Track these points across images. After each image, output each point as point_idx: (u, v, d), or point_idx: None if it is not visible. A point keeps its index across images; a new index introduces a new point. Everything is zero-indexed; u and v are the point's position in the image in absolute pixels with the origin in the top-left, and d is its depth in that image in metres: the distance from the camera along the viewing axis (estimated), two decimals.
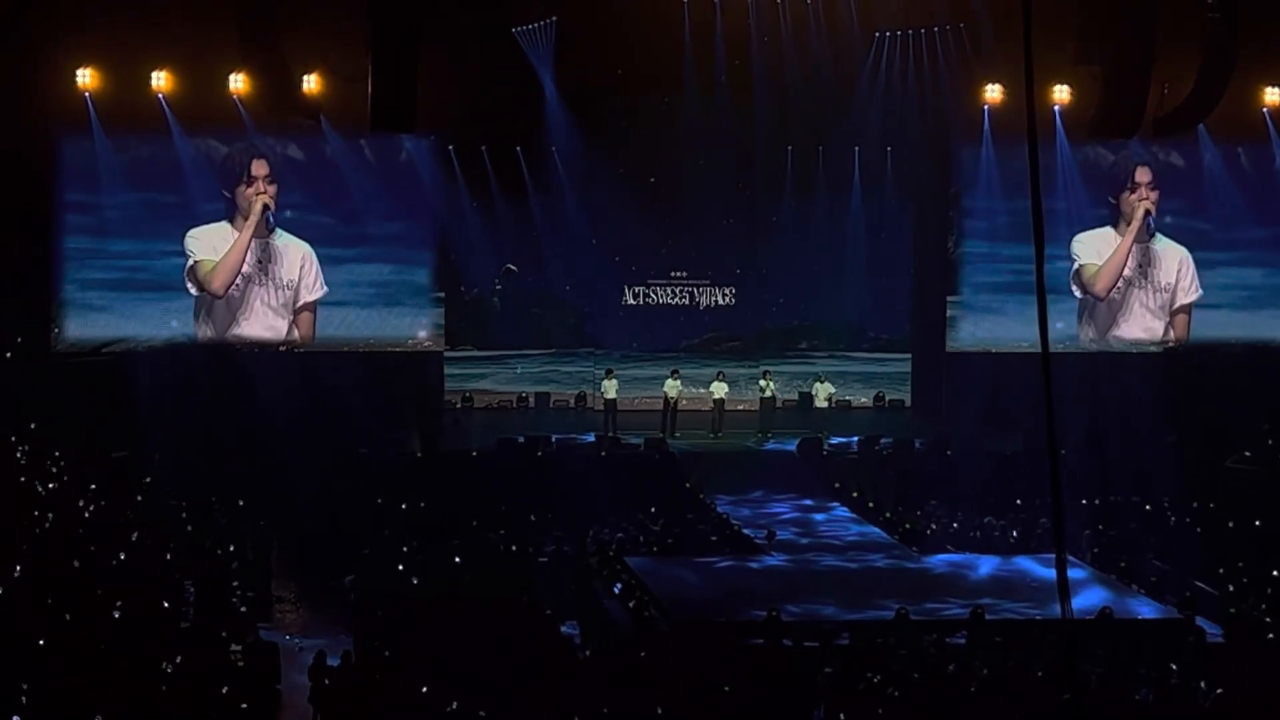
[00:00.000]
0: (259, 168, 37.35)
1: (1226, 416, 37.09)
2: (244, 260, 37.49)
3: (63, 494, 30.18)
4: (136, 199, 36.97)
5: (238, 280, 37.50)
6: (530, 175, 39.63)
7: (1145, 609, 26.14)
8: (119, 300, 37.04)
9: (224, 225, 37.47)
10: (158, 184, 37.03)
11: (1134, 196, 39.72)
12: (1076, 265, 39.68)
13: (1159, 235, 40.18)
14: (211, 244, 37.38)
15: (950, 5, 37.01)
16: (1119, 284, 39.98)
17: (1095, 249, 39.83)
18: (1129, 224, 39.81)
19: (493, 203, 39.62)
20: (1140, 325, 40.21)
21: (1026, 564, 29.12)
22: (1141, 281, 40.14)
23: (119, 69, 35.44)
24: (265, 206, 37.30)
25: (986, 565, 29.27)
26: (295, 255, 37.90)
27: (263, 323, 37.77)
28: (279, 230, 37.77)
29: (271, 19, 32.78)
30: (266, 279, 37.73)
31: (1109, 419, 35.25)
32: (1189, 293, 40.25)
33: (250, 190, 37.26)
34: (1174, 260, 40.25)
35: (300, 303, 37.96)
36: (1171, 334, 40.31)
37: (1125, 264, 39.90)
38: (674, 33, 37.59)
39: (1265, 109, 39.12)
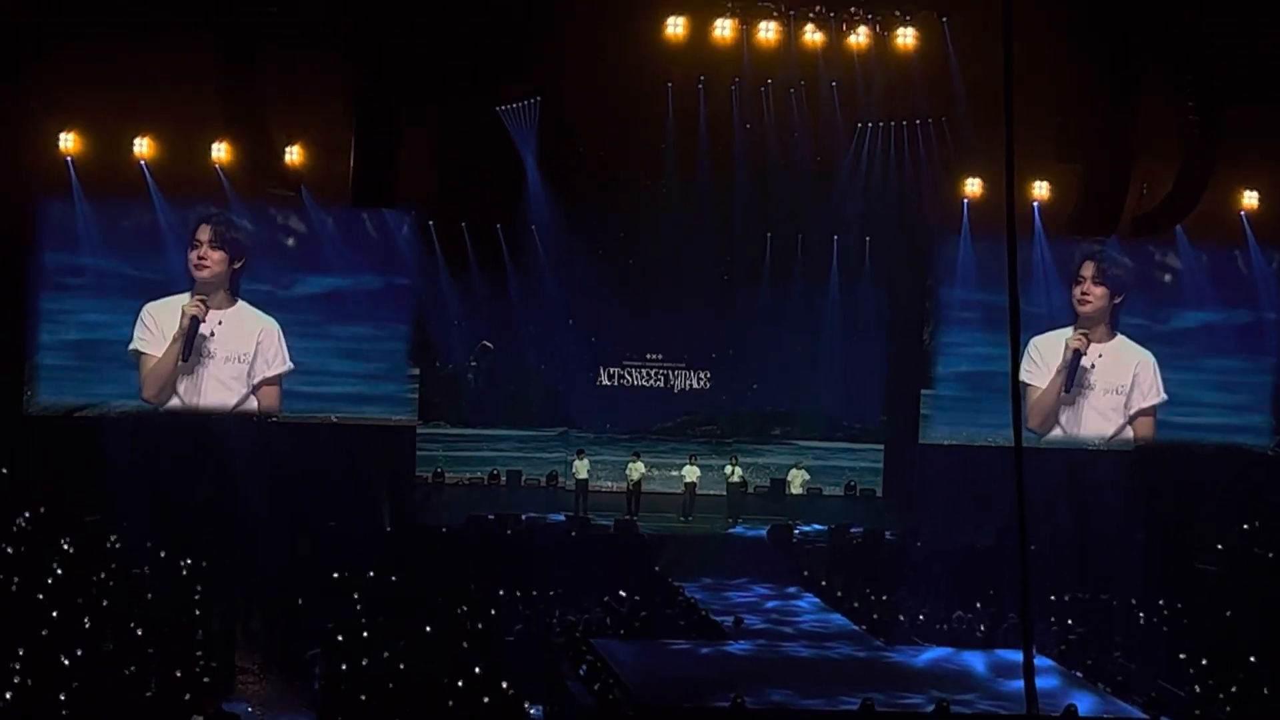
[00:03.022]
0: (202, 232, 37.06)
1: (1196, 517, 37.16)
2: (174, 371, 37.04)
3: (30, 557, 30.07)
4: (115, 264, 36.77)
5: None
6: (509, 253, 39.71)
7: (1111, 708, 26.06)
8: (93, 365, 36.83)
9: (181, 297, 37.13)
10: (137, 249, 36.84)
11: (1077, 290, 39.81)
12: (1021, 379, 39.45)
13: (1120, 336, 40.25)
14: (161, 326, 36.95)
15: (932, 98, 37.18)
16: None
17: (1043, 360, 39.81)
18: (1079, 324, 39.93)
19: (471, 279, 39.67)
20: (1088, 425, 40.16)
21: (993, 658, 29.02)
22: (1087, 381, 40.11)
23: (102, 133, 35.40)
24: (194, 319, 37.07)
25: (953, 658, 29.17)
26: (252, 329, 37.52)
27: (212, 395, 37.51)
28: (240, 302, 37.61)
29: (256, 88, 32.83)
30: (213, 351, 37.43)
31: (1080, 515, 35.31)
32: (1149, 396, 40.21)
33: (193, 254, 37.10)
34: (1130, 362, 40.24)
35: (259, 377, 37.62)
36: (1131, 434, 40.29)
37: (1056, 403, 39.87)
38: (657, 116, 37.71)
39: (1242, 211, 39.33)
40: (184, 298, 37.09)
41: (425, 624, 28.45)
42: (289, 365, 37.68)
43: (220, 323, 37.36)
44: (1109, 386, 40.17)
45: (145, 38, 33.18)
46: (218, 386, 37.40)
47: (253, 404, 37.65)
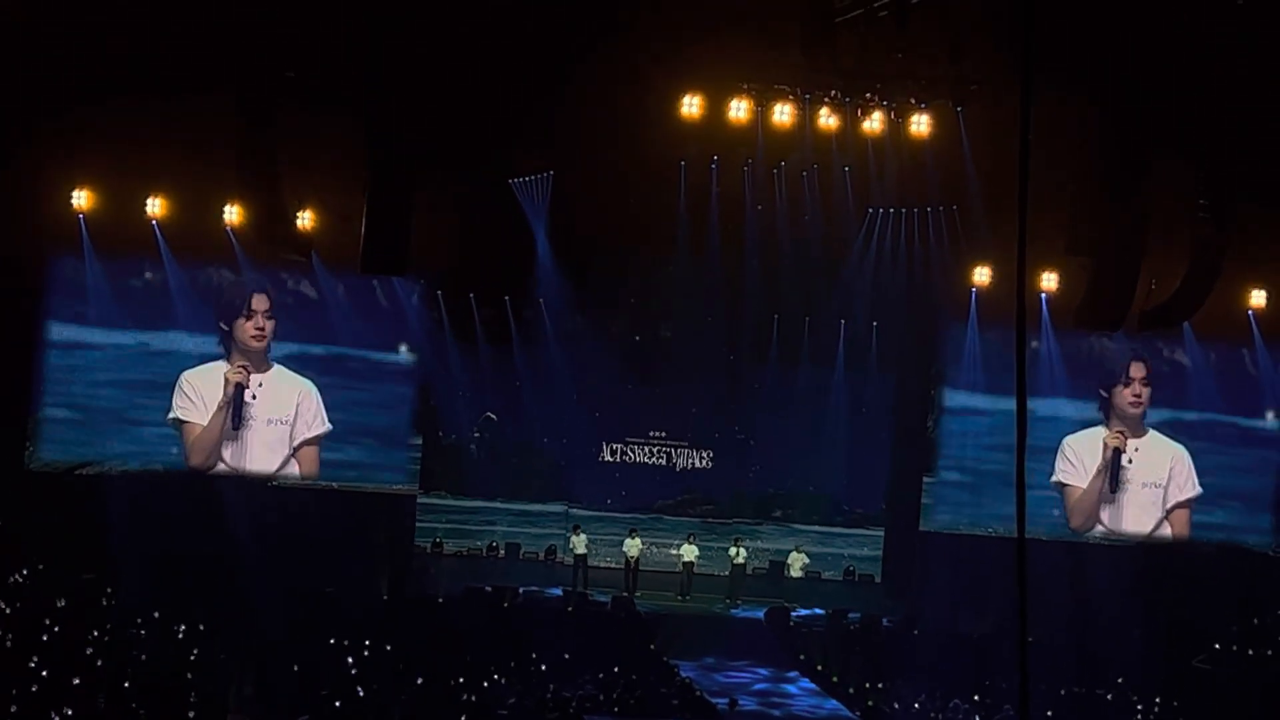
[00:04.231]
0: (259, 302, 37.27)
1: (1197, 615, 37.03)
2: (220, 439, 37.20)
3: (26, 614, 29.98)
4: (123, 322, 36.85)
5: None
6: (516, 325, 39.73)
7: None
8: (97, 422, 36.83)
9: (219, 365, 37.30)
10: (145, 308, 36.96)
11: (1127, 391, 39.71)
12: (1057, 479, 39.63)
13: (1152, 431, 40.17)
14: (201, 394, 37.12)
15: (944, 186, 37.28)
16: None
17: (1079, 459, 39.77)
18: (1119, 424, 39.81)
19: (477, 350, 39.68)
20: (1129, 521, 40.05)
21: None
22: (1125, 477, 40.01)
23: (114, 192, 35.52)
24: (239, 386, 37.15)
25: None
26: (291, 391, 37.68)
27: (258, 460, 37.52)
28: (276, 365, 37.66)
29: (270, 152, 32.93)
30: (255, 415, 37.45)
31: (1079, 609, 35.20)
32: (1185, 489, 40.12)
33: (249, 324, 37.16)
34: (1166, 456, 40.20)
35: (300, 439, 37.74)
36: (1168, 530, 40.15)
37: (1098, 503, 39.81)
38: (670, 194, 37.84)
39: (1250, 310, 39.33)
40: (221, 365, 37.21)
41: (419, 694, 28.34)
42: (327, 426, 37.81)
43: (261, 385, 37.43)
44: (1146, 481, 40.09)
45: (160, 98, 33.33)
46: (263, 451, 37.45)
47: (294, 467, 37.67)
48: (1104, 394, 39.86)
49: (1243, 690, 33.59)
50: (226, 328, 37.23)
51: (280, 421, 37.59)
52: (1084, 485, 39.73)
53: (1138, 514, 40.10)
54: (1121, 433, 39.70)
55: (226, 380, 37.06)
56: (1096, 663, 33.54)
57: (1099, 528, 39.87)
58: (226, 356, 37.29)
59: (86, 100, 33.31)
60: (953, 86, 33.68)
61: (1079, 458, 39.76)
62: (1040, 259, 37.29)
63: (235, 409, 37.09)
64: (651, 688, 31.22)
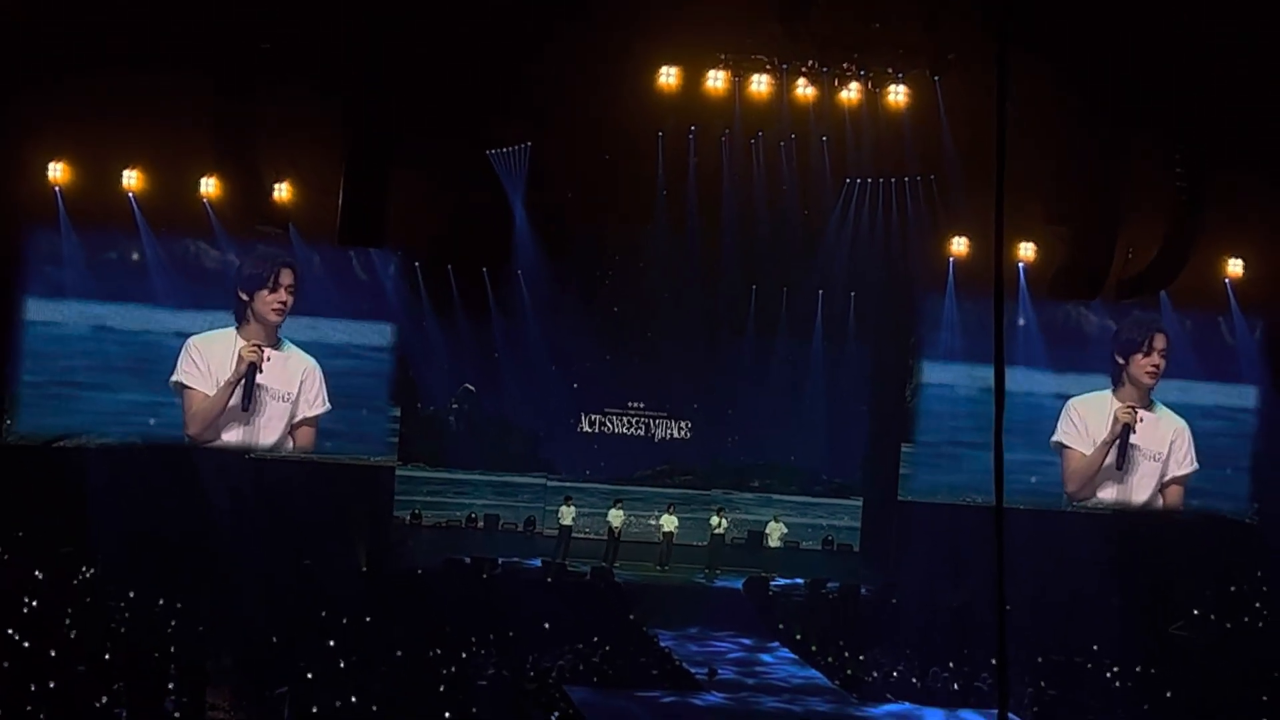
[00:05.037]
0: (286, 276, 37.07)
1: (1173, 583, 37.15)
2: (223, 413, 37.01)
3: (3, 587, 29.96)
4: (100, 294, 36.69)
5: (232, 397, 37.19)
6: (494, 297, 39.69)
7: None
8: (74, 395, 36.71)
9: (227, 332, 37.01)
10: (122, 281, 36.80)
11: (1146, 361, 39.64)
12: (1058, 439, 39.68)
13: (1158, 404, 40.14)
14: (208, 361, 36.88)
15: (921, 156, 37.27)
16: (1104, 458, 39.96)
17: (1083, 423, 39.76)
18: (1130, 393, 39.79)
19: (455, 321, 39.61)
20: (1130, 492, 40.07)
21: (966, 717, 28.99)
22: (1134, 456, 40.03)
23: (91, 165, 35.34)
24: (252, 365, 37.03)
25: (926, 716, 29.13)
26: (296, 368, 37.43)
27: (264, 435, 37.41)
28: (285, 341, 37.52)
29: (247, 124, 32.86)
30: (263, 392, 37.34)
31: (1057, 578, 35.29)
32: (1183, 465, 40.01)
33: (272, 297, 36.99)
34: (1168, 430, 40.17)
35: (300, 417, 37.52)
36: (1162, 502, 40.18)
37: (1098, 473, 39.82)
38: (647, 165, 37.78)
39: (1227, 279, 39.37)
40: (229, 333, 36.98)
41: (397, 665, 28.37)
42: (327, 406, 37.59)
43: (269, 360, 37.25)
44: (1148, 454, 40.06)
45: (137, 71, 33.13)
46: (268, 425, 37.31)
47: (290, 443, 37.54)
48: (1120, 361, 39.77)
49: (1220, 657, 33.73)
50: (247, 298, 37.05)
51: (283, 398, 37.44)
52: (1086, 452, 39.67)
53: (1138, 487, 40.12)
54: (1132, 407, 39.66)
55: (240, 358, 36.87)
56: (1074, 630, 33.63)
57: (1097, 499, 39.87)
58: (237, 325, 37.09)
59: (63, 72, 33.11)
60: (930, 56, 33.69)
61: (1083, 420, 39.71)
62: (1018, 229, 37.33)
63: (247, 389, 36.96)
64: (630, 658, 31.29)
